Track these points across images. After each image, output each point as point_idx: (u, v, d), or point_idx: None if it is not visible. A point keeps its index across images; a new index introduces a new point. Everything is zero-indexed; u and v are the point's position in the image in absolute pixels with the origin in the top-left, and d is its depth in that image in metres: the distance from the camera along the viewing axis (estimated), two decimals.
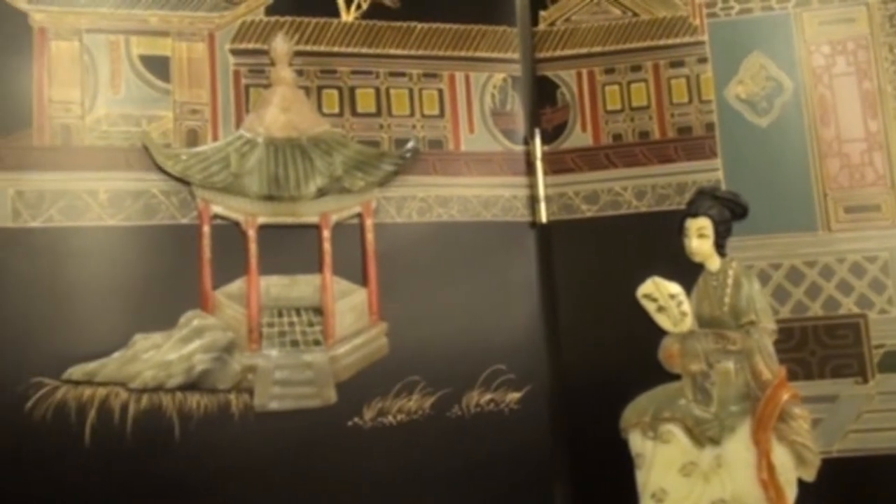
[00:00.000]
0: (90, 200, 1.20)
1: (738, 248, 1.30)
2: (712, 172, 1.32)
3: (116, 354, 1.18)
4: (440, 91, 1.36)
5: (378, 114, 1.33)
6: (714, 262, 1.29)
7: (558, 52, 1.39)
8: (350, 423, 1.25)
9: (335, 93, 1.32)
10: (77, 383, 1.16)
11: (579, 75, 1.38)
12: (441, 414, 1.28)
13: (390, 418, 1.26)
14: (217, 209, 1.24)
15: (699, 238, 1.29)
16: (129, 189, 1.22)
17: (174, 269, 1.22)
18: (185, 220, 1.23)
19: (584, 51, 1.38)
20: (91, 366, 1.17)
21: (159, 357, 1.19)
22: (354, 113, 1.33)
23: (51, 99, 1.21)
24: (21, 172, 1.19)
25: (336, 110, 1.32)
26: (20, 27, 1.21)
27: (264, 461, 1.21)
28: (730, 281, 1.28)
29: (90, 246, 1.20)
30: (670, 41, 1.36)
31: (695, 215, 1.29)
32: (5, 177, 1.18)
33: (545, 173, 1.36)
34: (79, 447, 1.16)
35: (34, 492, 1.14)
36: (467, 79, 1.37)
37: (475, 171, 1.35)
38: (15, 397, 1.14)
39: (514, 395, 1.30)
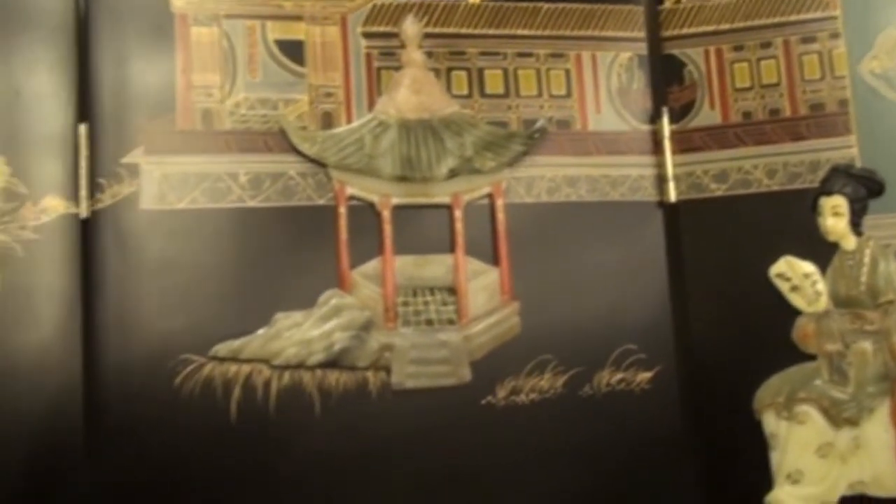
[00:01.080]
0: (231, 182, 1.23)
1: (874, 227, 1.28)
2: (847, 150, 1.30)
3: (260, 332, 1.20)
4: (567, 71, 1.36)
5: (506, 95, 1.34)
6: (849, 242, 1.27)
7: (685, 30, 1.37)
8: (483, 402, 1.26)
9: (464, 74, 1.33)
10: (222, 360, 1.19)
11: (707, 53, 1.37)
12: (573, 393, 1.28)
13: (523, 397, 1.27)
14: (352, 190, 1.25)
15: (834, 217, 1.27)
16: (268, 171, 1.24)
17: (312, 250, 1.24)
18: (321, 202, 1.25)
19: (710, 28, 1.37)
20: (236, 343, 1.19)
21: (300, 335, 1.21)
22: (483, 94, 1.33)
23: (192, 84, 1.24)
24: (166, 156, 1.22)
25: (465, 91, 1.33)
26: (163, 14, 1.24)
27: (401, 438, 1.23)
28: (866, 260, 1.26)
29: (232, 227, 1.22)
30: (801, 17, 1.34)
31: (829, 193, 1.27)
32: (152, 160, 1.21)
33: (673, 152, 1.35)
34: (225, 422, 1.19)
35: (183, 465, 1.16)
36: (594, 58, 1.37)
37: (603, 150, 1.35)
38: (164, 373, 1.18)
39: (645, 375, 1.30)
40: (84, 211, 1.18)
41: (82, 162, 1.19)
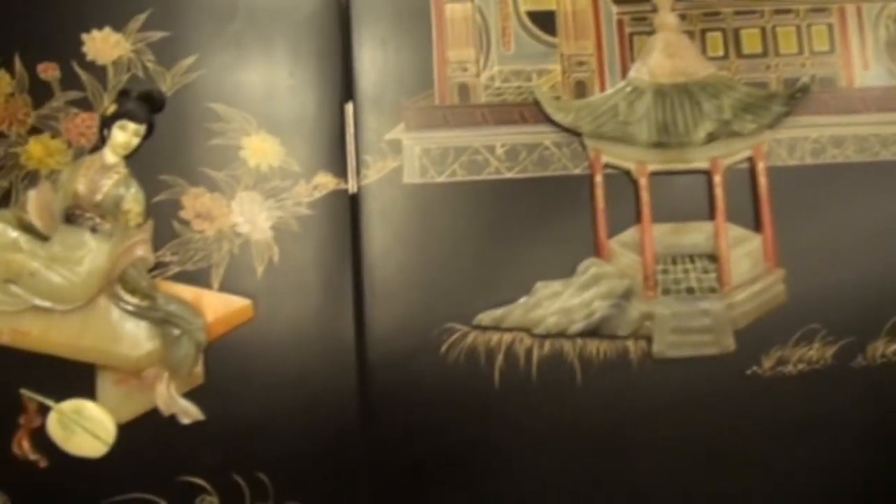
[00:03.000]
0: (488, 155, 1.25)
1: None
2: None
3: (520, 301, 1.21)
4: (829, 26, 1.29)
5: (764, 54, 1.28)
6: None
7: None
8: (748, 372, 1.22)
9: (719, 35, 1.29)
10: (485, 329, 1.21)
11: None
12: (844, 364, 1.22)
13: (790, 367, 1.22)
14: (608, 158, 1.24)
15: None
16: (524, 142, 1.25)
17: (569, 219, 1.24)
18: (577, 171, 1.25)
19: None
20: (498, 312, 1.21)
21: (560, 304, 1.21)
22: (740, 54, 1.28)
23: (448, 60, 1.26)
24: (426, 131, 1.25)
25: (721, 53, 1.28)
26: None
27: (662, 408, 1.21)
28: None
29: (490, 198, 1.24)
30: None
31: None
32: (413, 136, 1.24)
33: None
34: (490, 391, 1.21)
35: (450, 430, 1.20)
36: (858, 11, 1.29)
37: (872, 108, 1.27)
38: (430, 341, 1.21)
39: None
40: (352, 186, 1.23)
41: (349, 140, 1.24)
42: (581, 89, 1.27)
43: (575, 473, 1.21)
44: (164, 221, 1.21)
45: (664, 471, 1.22)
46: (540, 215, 1.24)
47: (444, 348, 1.21)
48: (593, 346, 1.22)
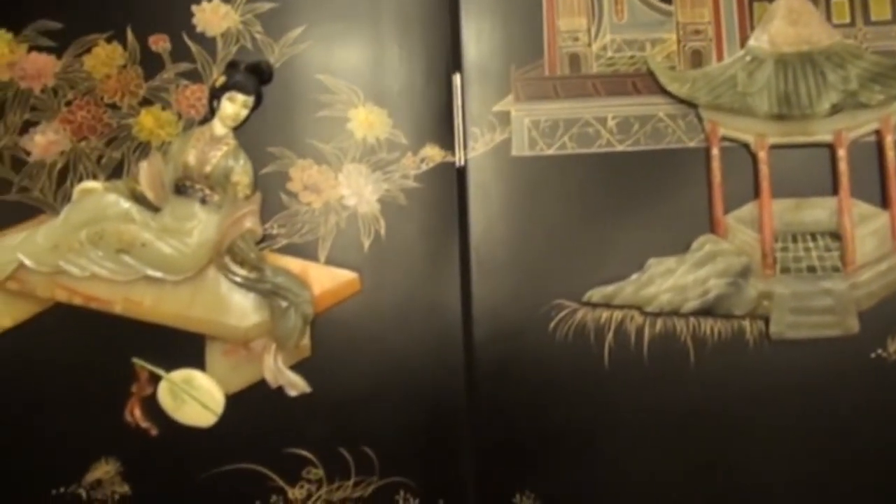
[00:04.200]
0: (600, 127, 1.21)
1: None
2: None
3: (632, 278, 1.18)
4: None
5: (894, 20, 1.21)
6: None
7: None
8: (873, 356, 1.16)
9: (845, 1, 1.22)
10: (595, 306, 1.18)
11: None
12: None
13: None
14: (725, 131, 1.20)
15: None
16: (637, 114, 1.21)
17: (684, 194, 1.20)
18: (692, 144, 1.20)
19: None
20: (609, 289, 1.18)
21: (673, 281, 1.17)
22: (868, 21, 1.22)
23: (559, 29, 1.23)
24: (536, 103, 1.22)
25: (847, 20, 1.22)
26: None
27: (779, 390, 1.17)
28: None
29: (602, 172, 1.20)
30: None
31: None
32: (522, 108, 1.21)
33: None
34: (599, 369, 1.18)
35: (557, 406, 1.17)
36: None
37: None
38: (538, 318, 1.18)
39: None
40: (459, 159, 1.21)
41: (456, 112, 1.22)
42: (697, 59, 1.22)
43: (686, 458, 1.18)
44: (272, 193, 1.21)
45: (780, 456, 1.18)
46: (653, 190, 1.20)
47: (552, 325, 1.19)
48: (707, 326, 1.18)
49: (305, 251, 1.20)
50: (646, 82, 1.22)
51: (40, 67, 1.22)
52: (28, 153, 1.22)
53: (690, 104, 1.21)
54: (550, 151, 1.21)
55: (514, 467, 1.19)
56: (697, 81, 1.20)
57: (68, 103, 1.22)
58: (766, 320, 1.17)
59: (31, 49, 1.22)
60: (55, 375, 1.19)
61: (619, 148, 1.21)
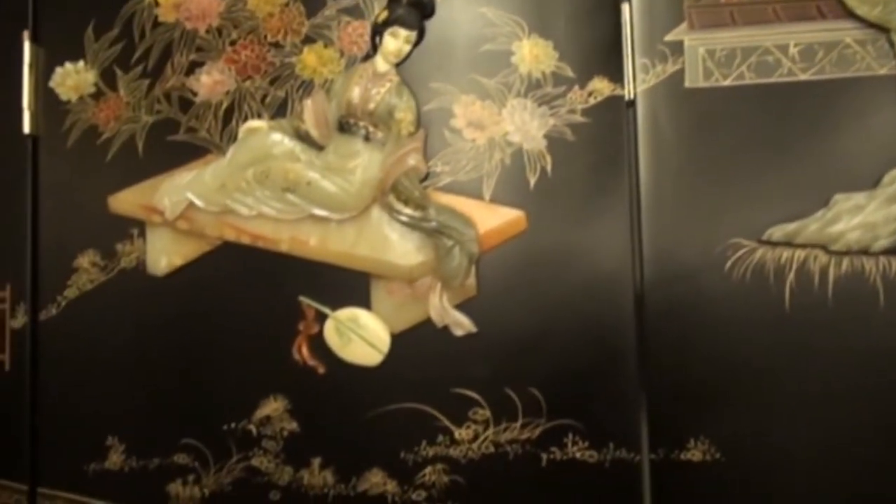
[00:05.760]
0: (780, 55, 1.14)
1: None
2: None
3: (816, 215, 1.11)
4: None
5: None
6: None
7: None
8: None
9: None
10: (775, 245, 1.12)
11: None
12: None
13: None
14: None
15: None
16: (821, 40, 1.13)
17: (873, 125, 1.12)
18: (882, 71, 1.12)
19: None
20: (790, 227, 1.12)
21: (862, 218, 1.10)
22: None
23: None
24: (711, 31, 1.15)
25: None
26: None
27: None
28: None
29: (783, 102, 1.13)
30: None
31: None
32: (696, 37, 1.16)
33: None
34: (779, 311, 1.12)
35: (733, 350, 1.13)
36: None
37: None
38: (713, 257, 1.13)
39: None
40: (629, 92, 1.16)
41: (626, 42, 1.17)
42: None
43: (873, 405, 1.11)
44: (435, 130, 1.19)
45: None
46: (839, 121, 1.13)
47: (728, 265, 1.13)
48: None
49: (470, 189, 1.18)
50: (831, 6, 1.14)
51: (205, 8, 1.22)
52: (195, 93, 1.22)
53: (882, 28, 1.13)
54: (727, 82, 1.15)
55: (687, 413, 1.14)
56: (889, 4, 1.12)
57: (232, 43, 1.22)
58: None
59: None
60: (224, 313, 1.20)
61: (802, 77, 1.14)
